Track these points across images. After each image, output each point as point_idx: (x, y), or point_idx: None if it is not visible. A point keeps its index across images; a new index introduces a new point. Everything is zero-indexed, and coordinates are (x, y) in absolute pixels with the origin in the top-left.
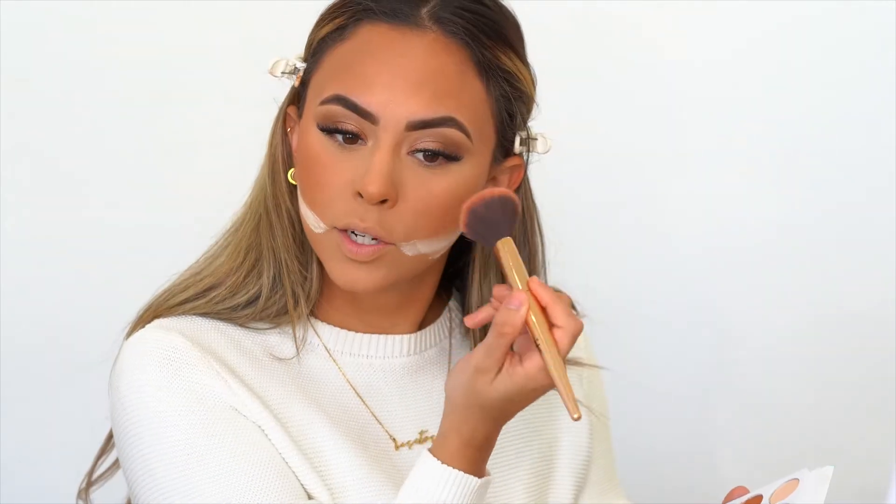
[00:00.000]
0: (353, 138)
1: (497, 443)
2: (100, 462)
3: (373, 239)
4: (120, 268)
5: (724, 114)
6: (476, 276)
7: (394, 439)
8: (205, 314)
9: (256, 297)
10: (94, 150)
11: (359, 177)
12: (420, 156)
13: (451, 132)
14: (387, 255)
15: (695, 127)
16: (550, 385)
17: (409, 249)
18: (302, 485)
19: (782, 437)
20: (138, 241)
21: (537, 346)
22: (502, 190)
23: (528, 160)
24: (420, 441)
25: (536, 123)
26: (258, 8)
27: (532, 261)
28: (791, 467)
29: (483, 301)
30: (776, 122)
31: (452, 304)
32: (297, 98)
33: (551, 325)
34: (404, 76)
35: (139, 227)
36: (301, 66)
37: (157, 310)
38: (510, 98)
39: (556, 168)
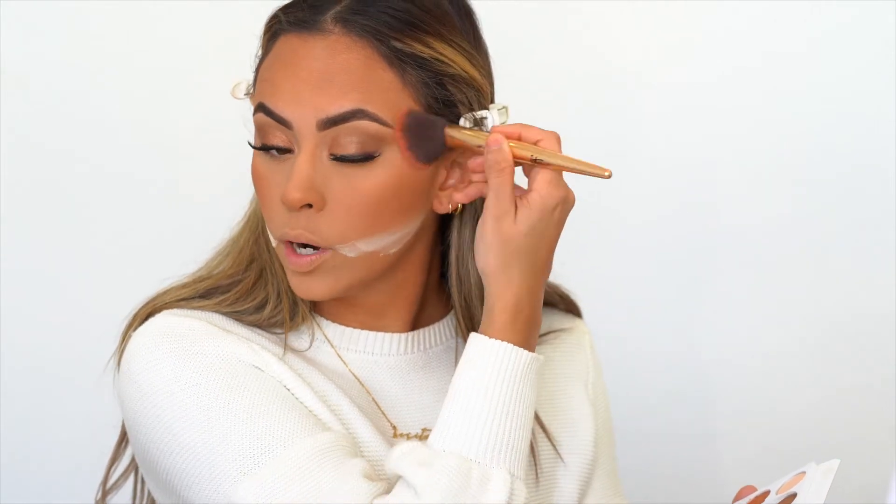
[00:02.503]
0: (282, 150)
1: None
2: (112, 470)
3: (312, 248)
4: (120, 268)
5: (724, 114)
6: (454, 259)
7: (394, 427)
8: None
9: (263, 305)
10: (94, 150)
11: (284, 186)
12: (338, 160)
13: (365, 124)
14: (327, 262)
15: (696, 128)
16: (566, 195)
17: (350, 250)
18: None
19: (782, 438)
20: (138, 241)
21: (535, 164)
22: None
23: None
24: (421, 437)
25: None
26: (258, 8)
27: None
28: (791, 467)
29: (460, 277)
30: (779, 123)
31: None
32: None
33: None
34: (307, 77)
35: (139, 227)
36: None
37: (156, 305)
38: (437, 83)
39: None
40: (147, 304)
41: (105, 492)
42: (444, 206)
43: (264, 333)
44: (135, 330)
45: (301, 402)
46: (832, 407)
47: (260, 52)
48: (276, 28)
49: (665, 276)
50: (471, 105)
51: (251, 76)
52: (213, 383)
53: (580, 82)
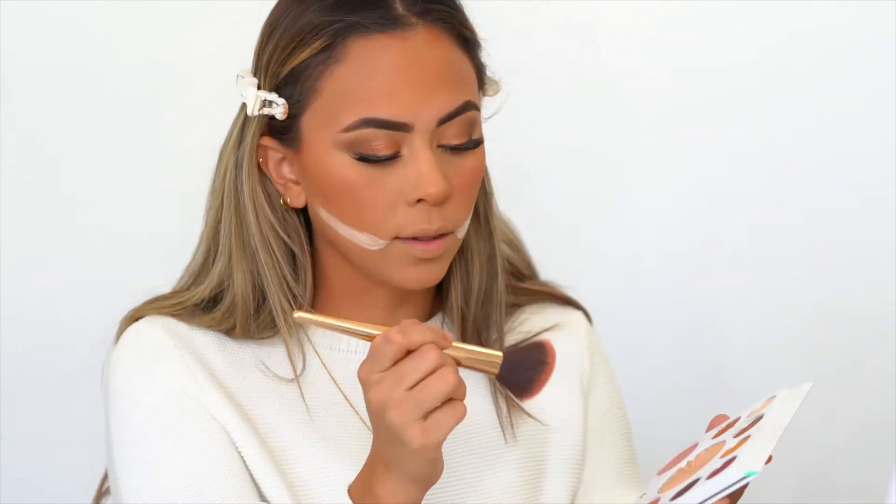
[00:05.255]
0: (392, 157)
1: (472, 444)
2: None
3: (435, 235)
4: (120, 268)
5: (723, 113)
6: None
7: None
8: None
9: (234, 326)
10: (94, 150)
11: (409, 185)
12: (449, 150)
13: (471, 114)
14: (450, 244)
15: (692, 127)
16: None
17: (461, 232)
18: (258, 484)
19: (782, 437)
20: (139, 241)
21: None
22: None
23: (481, 101)
24: None
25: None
26: (258, 8)
27: (490, 204)
28: (791, 467)
29: (461, 288)
30: (774, 121)
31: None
32: (269, 128)
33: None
34: (420, 77)
35: (140, 227)
36: (276, 98)
37: (142, 311)
38: (478, 58)
39: (555, 168)
40: (133, 312)
41: (100, 493)
42: None
43: (247, 347)
44: (121, 333)
45: (237, 449)
46: (832, 407)
47: (307, 53)
48: (343, 30)
49: (665, 277)
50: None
51: (255, 91)
52: (151, 416)
53: (580, 82)
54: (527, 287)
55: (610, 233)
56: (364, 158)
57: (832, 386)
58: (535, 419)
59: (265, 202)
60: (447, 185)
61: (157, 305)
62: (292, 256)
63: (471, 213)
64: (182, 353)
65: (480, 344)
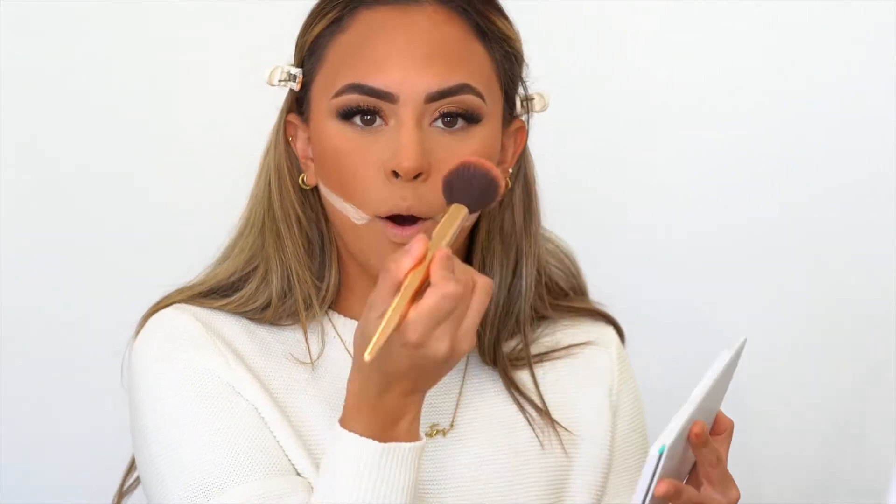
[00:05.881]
0: (371, 119)
1: (497, 457)
2: (129, 475)
3: (413, 220)
4: (120, 269)
5: (724, 114)
6: (479, 247)
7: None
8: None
9: (267, 305)
10: (94, 151)
11: (389, 156)
12: (440, 123)
13: (469, 98)
14: (429, 232)
15: (694, 127)
16: (420, 340)
17: None
18: (292, 464)
19: (783, 438)
20: (139, 242)
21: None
22: (499, 173)
23: (528, 121)
24: (430, 434)
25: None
26: (259, 8)
27: (528, 226)
28: (791, 468)
29: (481, 261)
30: (777, 121)
31: None
32: (295, 104)
33: (428, 284)
34: (414, 51)
35: (140, 228)
36: (296, 70)
37: (167, 303)
38: (509, 59)
39: (557, 168)
40: (158, 303)
41: (122, 493)
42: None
43: (274, 332)
44: (143, 324)
45: (271, 431)
46: (832, 407)
47: (322, 25)
48: (353, 1)
49: (663, 277)
50: (521, 80)
51: (285, 58)
52: (184, 401)
53: (579, 82)
54: (564, 304)
55: (606, 235)
56: (343, 115)
57: (832, 386)
58: (564, 427)
59: (288, 178)
60: (423, 161)
61: (180, 297)
62: (316, 246)
63: None
64: (213, 339)
65: (494, 357)
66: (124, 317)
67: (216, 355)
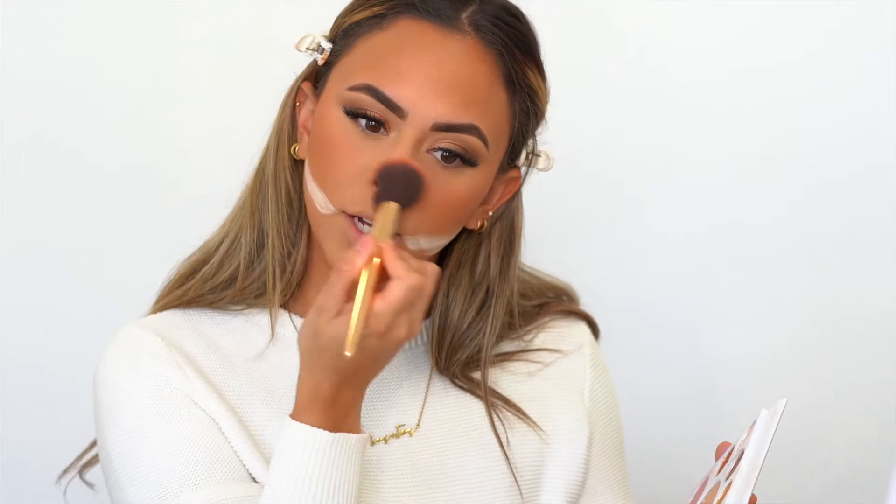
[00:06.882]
0: (376, 126)
1: (464, 456)
2: (88, 451)
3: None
4: (120, 267)
5: (723, 115)
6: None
7: (370, 435)
8: (192, 301)
9: (233, 280)
10: (94, 150)
11: (375, 164)
12: (438, 154)
13: (472, 140)
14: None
15: (693, 129)
16: (385, 330)
17: (412, 244)
18: (249, 472)
19: (782, 438)
20: (139, 240)
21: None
22: (418, 166)
23: (525, 174)
24: (396, 435)
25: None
26: (259, 8)
27: (504, 270)
28: (791, 468)
29: (446, 290)
30: (775, 123)
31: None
32: (314, 75)
33: (387, 279)
34: (438, 77)
35: (140, 226)
36: (327, 45)
37: (161, 300)
38: (528, 113)
39: (557, 169)
40: (157, 300)
41: (77, 464)
42: (475, 223)
43: (229, 323)
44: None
45: (229, 443)
46: (832, 407)
47: (365, 14)
48: (401, 5)
49: (665, 276)
50: (532, 134)
51: (314, 30)
52: (143, 414)
53: (579, 82)
54: (530, 305)
55: (605, 235)
56: (351, 113)
57: (832, 386)
58: (535, 423)
59: (287, 142)
60: None
61: (162, 303)
62: (294, 219)
63: (432, 239)
64: (172, 353)
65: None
66: (124, 317)
67: (175, 368)
